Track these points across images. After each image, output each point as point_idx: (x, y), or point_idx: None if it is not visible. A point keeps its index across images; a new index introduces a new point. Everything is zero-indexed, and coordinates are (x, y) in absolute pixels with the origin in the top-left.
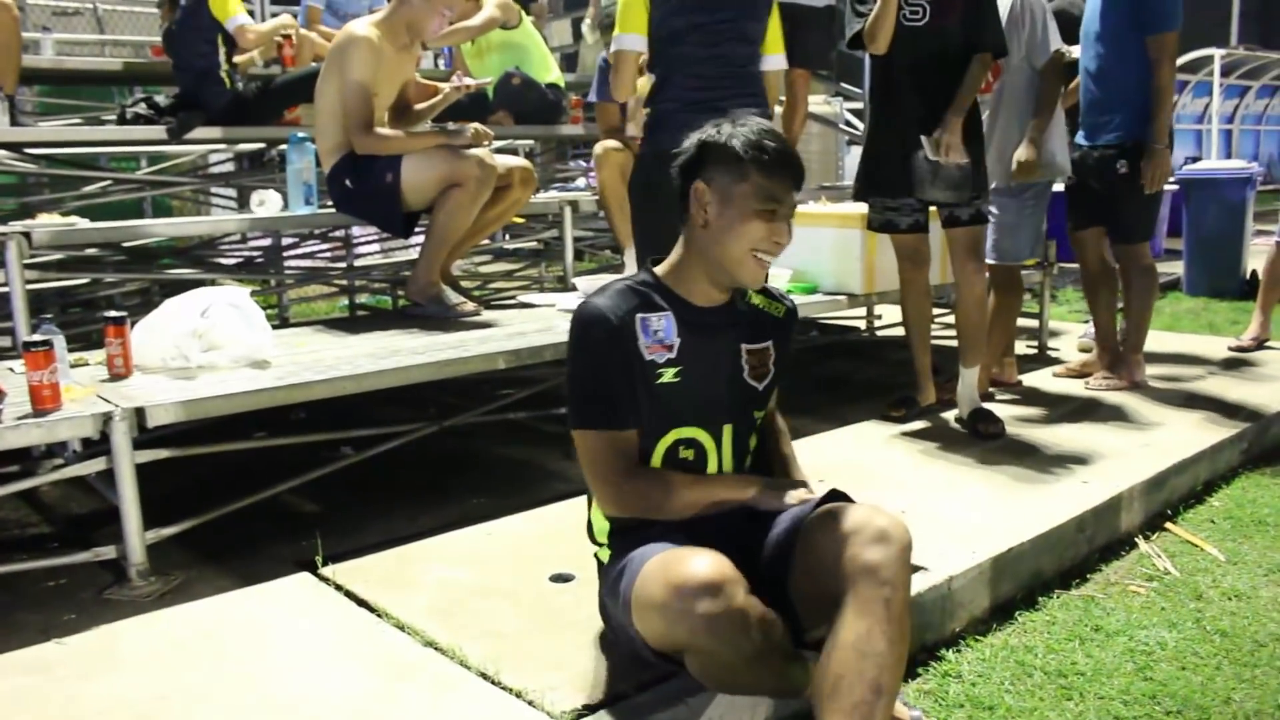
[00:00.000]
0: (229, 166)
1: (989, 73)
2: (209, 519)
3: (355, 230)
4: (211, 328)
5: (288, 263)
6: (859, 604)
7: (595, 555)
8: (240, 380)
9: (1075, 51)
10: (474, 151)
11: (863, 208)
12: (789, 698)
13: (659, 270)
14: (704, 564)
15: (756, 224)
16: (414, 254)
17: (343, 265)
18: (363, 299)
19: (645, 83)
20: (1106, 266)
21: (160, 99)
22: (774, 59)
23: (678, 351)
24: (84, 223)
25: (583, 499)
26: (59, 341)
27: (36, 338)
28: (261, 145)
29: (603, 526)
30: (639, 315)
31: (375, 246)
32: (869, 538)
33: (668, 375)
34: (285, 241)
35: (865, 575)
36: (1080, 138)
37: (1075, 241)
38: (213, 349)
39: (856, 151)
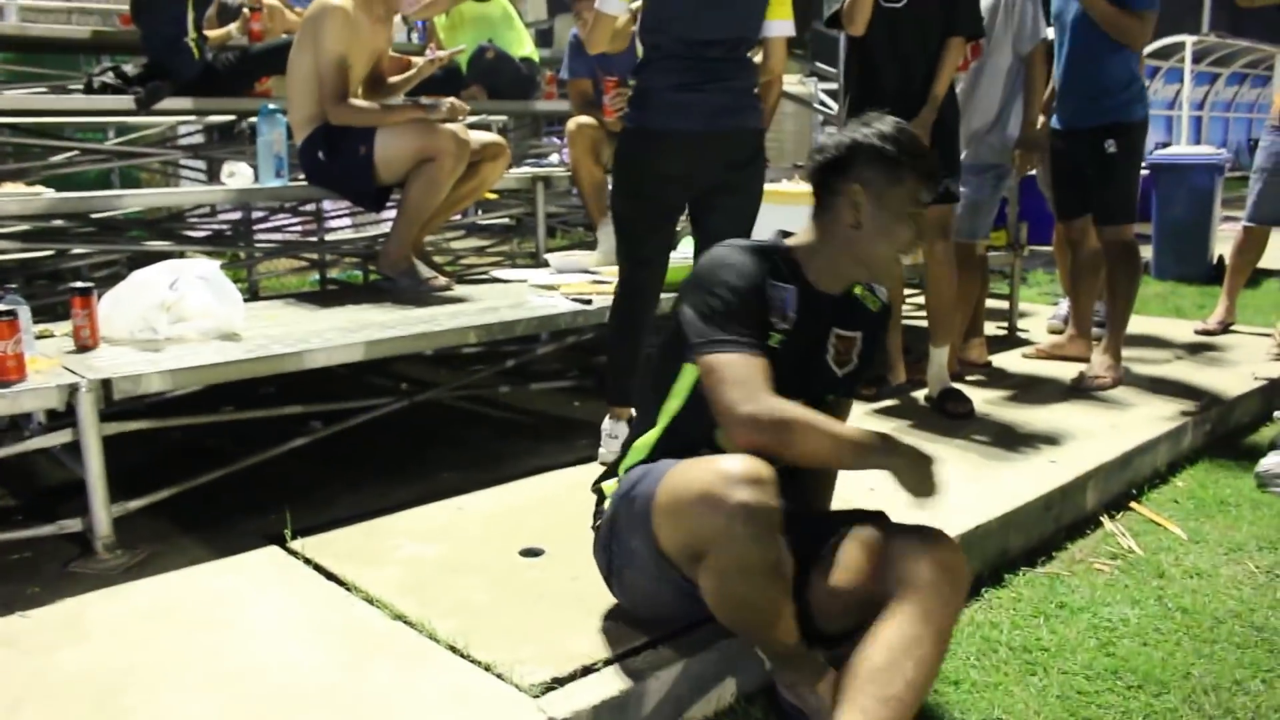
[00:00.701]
0: (198, 138)
1: (967, 50)
2: (177, 492)
3: (327, 204)
4: (180, 300)
5: (257, 236)
6: (919, 612)
7: (599, 489)
8: (209, 352)
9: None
10: (448, 126)
11: None
12: (779, 657)
13: (790, 244)
14: (748, 459)
15: (908, 226)
16: (386, 228)
17: (314, 239)
18: (334, 273)
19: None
20: (1098, 254)
21: (129, 68)
22: (779, 25)
23: (791, 325)
24: (49, 192)
25: (550, 476)
26: (24, 312)
27: (2, 306)
28: (232, 117)
29: (633, 461)
30: (769, 279)
31: (347, 221)
32: (945, 562)
33: (773, 340)
34: (255, 215)
35: (933, 591)
36: (1055, 123)
37: (1070, 231)
38: (181, 321)
39: (830, 131)
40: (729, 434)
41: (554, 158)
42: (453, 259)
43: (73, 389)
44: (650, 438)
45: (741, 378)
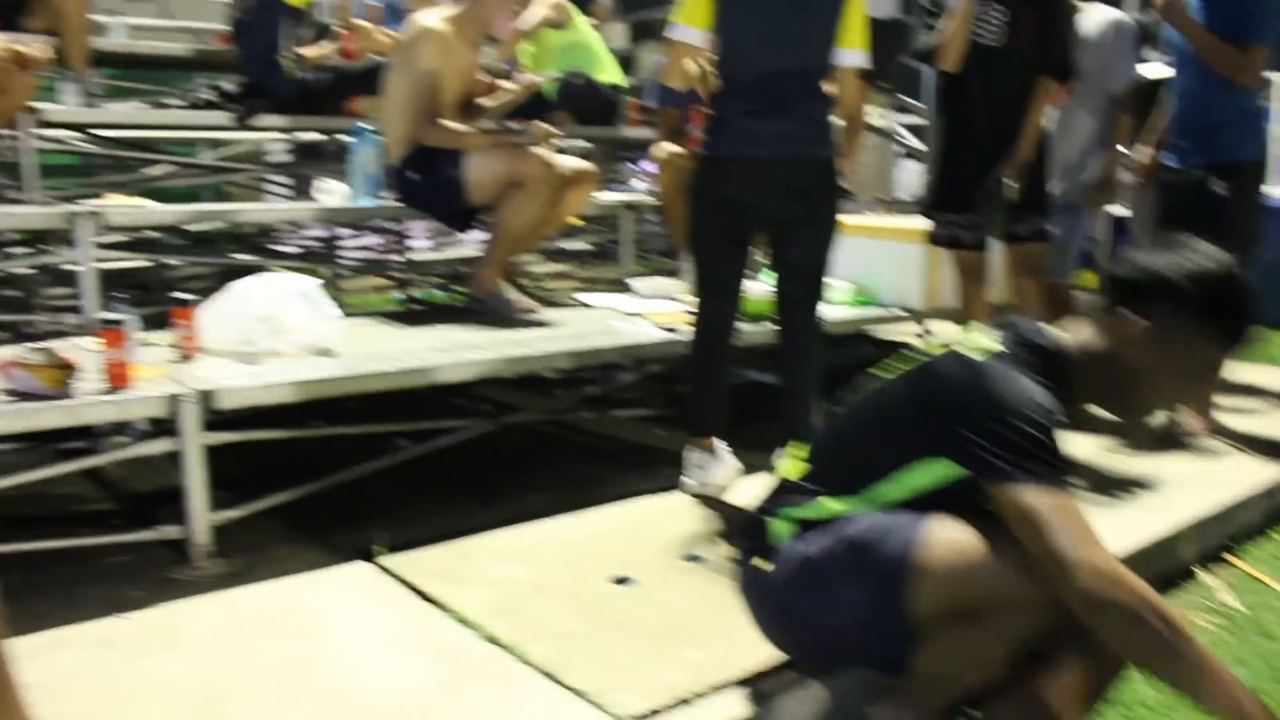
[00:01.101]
0: (284, 155)
1: (1060, 87)
2: (274, 504)
3: (410, 223)
4: (278, 314)
5: (342, 254)
6: (1093, 667)
7: (761, 526)
8: (308, 367)
9: (1150, 71)
10: (538, 151)
11: (923, 221)
12: (934, 712)
13: (1064, 361)
14: None
15: (1186, 387)
16: (466, 249)
17: (396, 257)
18: (416, 292)
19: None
20: None
21: (228, 86)
22: (850, 54)
23: None
24: (154, 205)
25: (635, 503)
26: (131, 321)
27: (112, 315)
28: (323, 136)
29: (818, 516)
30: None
31: (426, 240)
32: None
33: None
34: (340, 232)
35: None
36: (1170, 159)
37: None
38: (279, 335)
39: (908, 165)
40: (1057, 583)
41: (635, 183)
42: (534, 282)
43: (177, 399)
44: (846, 507)
45: (1085, 530)
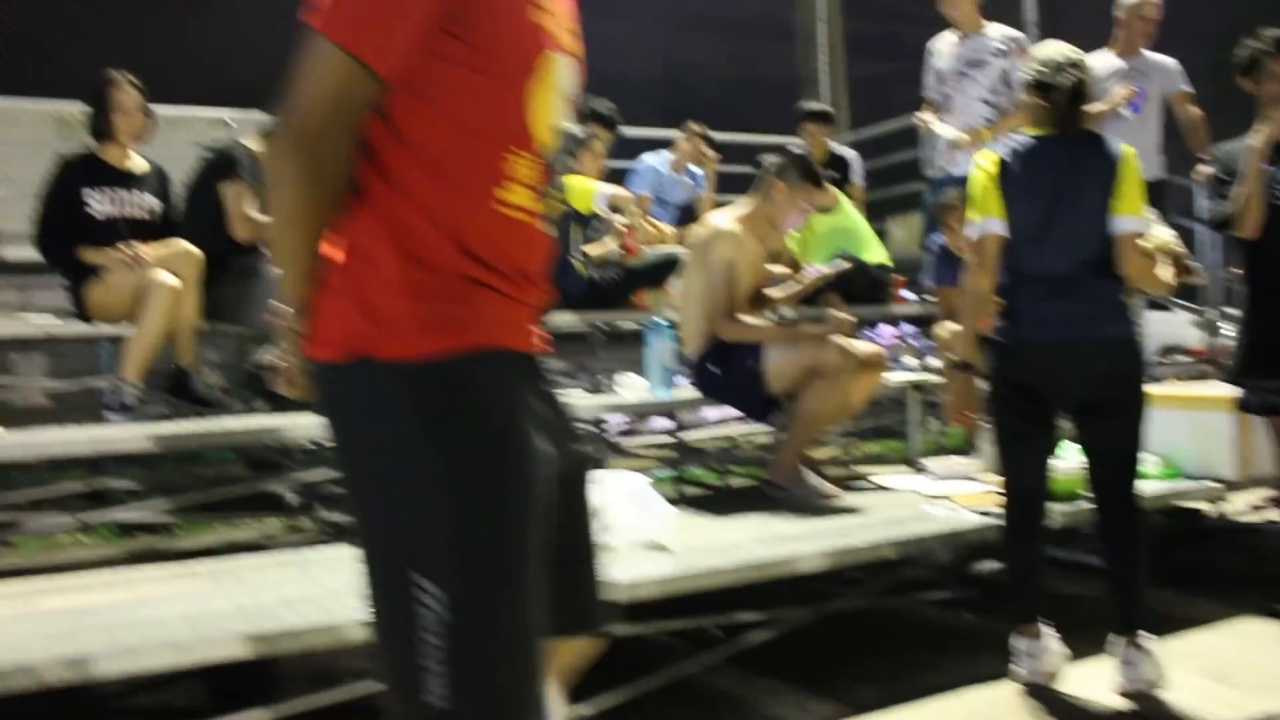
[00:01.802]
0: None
1: None
2: (622, 700)
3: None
4: (609, 511)
5: (611, 437)
6: None
7: None
8: (652, 564)
9: None
10: (836, 339)
11: (1226, 388)
12: None
13: None
14: None
15: None
16: (733, 429)
17: (670, 441)
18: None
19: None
20: None
21: None
22: (1125, 221)
23: None
24: None
25: (968, 695)
26: None
27: None
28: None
29: None
30: None
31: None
32: None
33: None
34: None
35: None
36: None
37: None
38: (610, 531)
39: (1156, 317)
40: None
41: (908, 359)
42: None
43: None
44: None
45: None
